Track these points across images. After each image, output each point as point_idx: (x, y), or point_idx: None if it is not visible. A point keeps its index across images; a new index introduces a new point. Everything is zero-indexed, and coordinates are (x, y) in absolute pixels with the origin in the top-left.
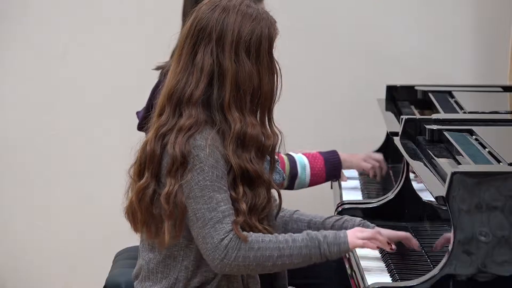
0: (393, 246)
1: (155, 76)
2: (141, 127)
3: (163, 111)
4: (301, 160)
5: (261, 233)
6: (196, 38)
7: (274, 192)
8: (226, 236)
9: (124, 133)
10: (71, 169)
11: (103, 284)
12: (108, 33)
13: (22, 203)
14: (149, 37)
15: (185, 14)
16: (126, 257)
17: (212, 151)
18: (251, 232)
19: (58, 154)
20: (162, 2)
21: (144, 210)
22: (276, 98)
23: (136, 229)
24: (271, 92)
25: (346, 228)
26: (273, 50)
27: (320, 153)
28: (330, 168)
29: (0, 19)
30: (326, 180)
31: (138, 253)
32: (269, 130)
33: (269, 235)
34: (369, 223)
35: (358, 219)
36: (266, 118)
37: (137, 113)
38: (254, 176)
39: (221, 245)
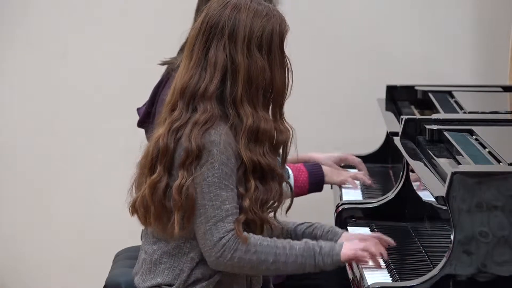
0: (385, 255)
1: (155, 76)
2: (141, 123)
3: (175, 106)
4: (286, 171)
5: (261, 236)
6: (208, 34)
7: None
8: (226, 236)
9: (125, 133)
10: (71, 169)
11: (103, 284)
12: (108, 33)
13: (22, 203)
14: (149, 36)
15: (199, 12)
16: (126, 257)
17: (225, 147)
18: (251, 234)
19: (58, 154)
20: (162, 2)
21: (157, 204)
22: (288, 94)
23: (146, 223)
24: (283, 87)
25: (316, 235)
26: (284, 46)
27: (305, 165)
28: (313, 182)
29: (0, 19)
30: (308, 193)
31: (139, 250)
32: (281, 125)
33: (269, 238)
34: (338, 229)
35: (328, 225)
36: (278, 113)
37: (138, 109)
38: (267, 170)
39: (219, 244)
